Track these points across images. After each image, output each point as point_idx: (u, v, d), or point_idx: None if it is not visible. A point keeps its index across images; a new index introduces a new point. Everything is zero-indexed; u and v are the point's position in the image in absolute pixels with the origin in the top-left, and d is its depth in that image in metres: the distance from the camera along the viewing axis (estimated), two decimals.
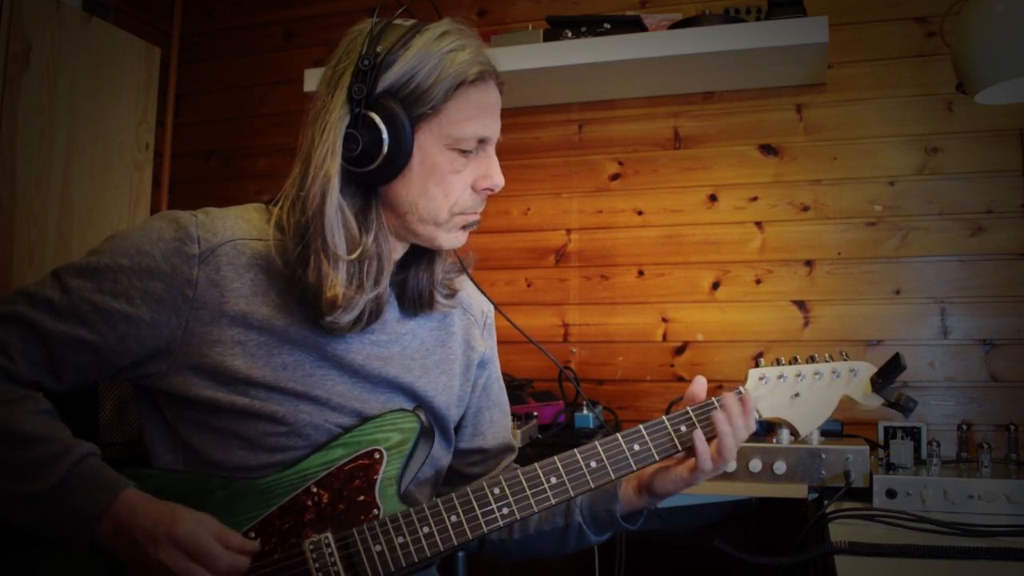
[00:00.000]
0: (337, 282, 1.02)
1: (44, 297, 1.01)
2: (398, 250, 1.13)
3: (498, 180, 1.09)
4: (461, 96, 1.04)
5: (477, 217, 1.11)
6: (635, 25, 2.08)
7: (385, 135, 1.01)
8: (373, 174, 1.03)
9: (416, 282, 1.15)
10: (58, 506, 0.94)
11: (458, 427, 1.27)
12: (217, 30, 2.76)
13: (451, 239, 1.10)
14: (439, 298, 1.18)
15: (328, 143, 1.02)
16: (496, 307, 1.31)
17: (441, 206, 1.07)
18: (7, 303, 1.02)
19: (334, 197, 1.02)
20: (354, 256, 1.03)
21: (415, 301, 1.16)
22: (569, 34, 2.08)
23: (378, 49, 1.02)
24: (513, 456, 1.34)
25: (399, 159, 1.03)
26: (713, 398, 1.15)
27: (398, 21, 1.07)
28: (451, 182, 1.06)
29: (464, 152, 1.06)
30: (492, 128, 1.08)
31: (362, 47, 1.02)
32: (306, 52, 2.61)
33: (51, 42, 2.04)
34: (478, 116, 1.05)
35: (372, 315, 1.08)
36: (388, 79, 1.02)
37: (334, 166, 1.01)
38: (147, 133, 2.36)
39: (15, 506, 0.95)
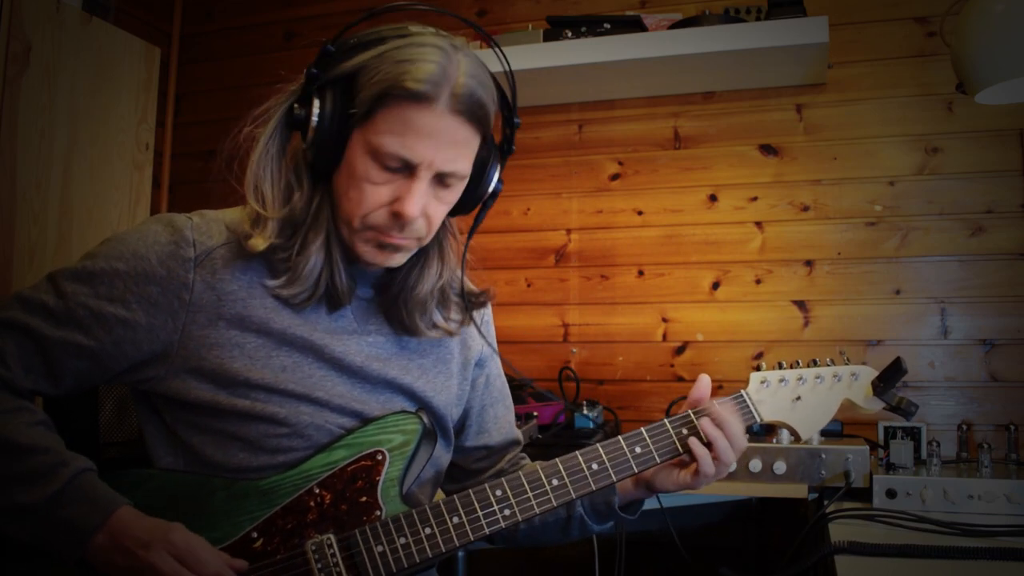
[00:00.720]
0: (267, 232, 1.03)
1: (40, 302, 1.01)
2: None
3: (408, 208, 1.00)
4: (393, 108, 0.98)
5: (394, 241, 1.04)
6: (635, 25, 2.08)
7: (314, 116, 1.01)
8: (310, 154, 1.03)
9: (393, 302, 1.14)
10: (51, 519, 0.93)
11: (462, 426, 1.28)
12: (217, 30, 2.76)
13: (366, 252, 1.05)
14: (433, 320, 1.15)
15: (273, 108, 1.06)
16: (494, 347, 1.30)
17: (353, 211, 1.03)
18: (2, 309, 1.01)
19: (261, 143, 1.04)
20: (284, 212, 1.04)
21: (399, 322, 1.15)
22: (569, 34, 2.08)
23: (353, 40, 1.02)
24: (519, 448, 1.34)
25: (327, 147, 1.02)
26: (713, 401, 1.16)
27: (416, 27, 1.04)
28: (365, 191, 1.01)
29: (385, 167, 1.00)
30: (418, 153, 0.99)
31: (341, 36, 1.02)
32: (306, 52, 2.61)
33: (51, 42, 2.04)
34: (404, 135, 0.98)
35: (331, 297, 1.08)
36: (342, 69, 1.01)
37: (268, 126, 1.05)
38: (147, 133, 2.36)
39: (10, 517, 0.94)
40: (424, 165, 1.00)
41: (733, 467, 1.64)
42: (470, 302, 1.20)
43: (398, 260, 1.08)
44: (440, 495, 1.22)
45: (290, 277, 1.05)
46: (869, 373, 1.22)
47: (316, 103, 1.01)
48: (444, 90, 0.98)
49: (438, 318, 1.16)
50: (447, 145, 1.01)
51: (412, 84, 0.96)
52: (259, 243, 1.03)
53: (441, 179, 1.04)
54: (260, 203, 1.04)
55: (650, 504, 1.28)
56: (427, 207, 1.04)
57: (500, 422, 1.31)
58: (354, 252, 1.06)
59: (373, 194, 1.01)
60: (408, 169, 1.01)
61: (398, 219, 1.02)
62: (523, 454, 1.35)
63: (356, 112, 1.00)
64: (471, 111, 1.01)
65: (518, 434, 1.34)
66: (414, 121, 0.98)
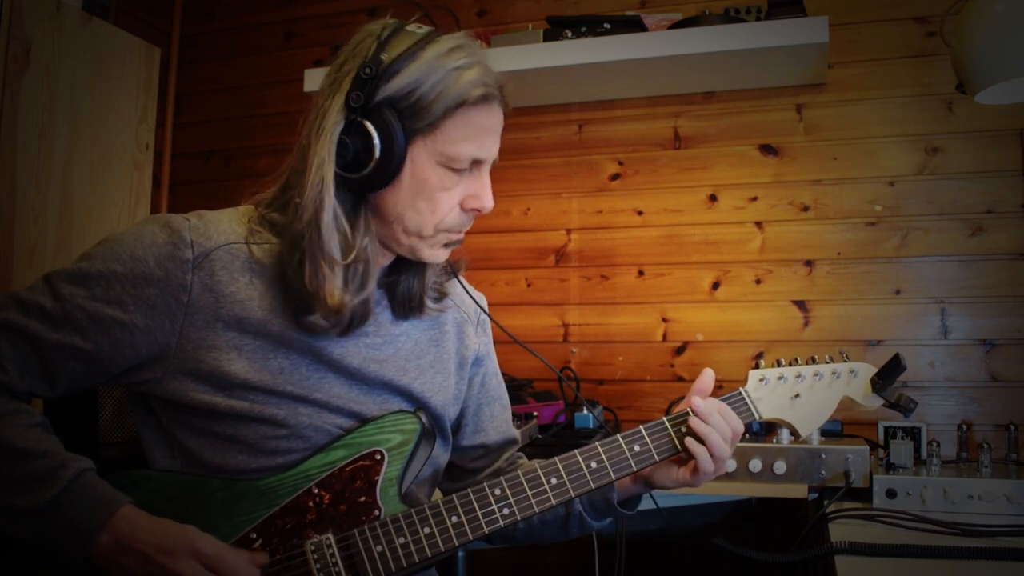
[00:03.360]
0: (335, 287, 1.02)
1: (36, 304, 1.00)
2: (385, 255, 1.13)
3: (487, 203, 1.07)
4: (461, 116, 1.02)
5: (461, 236, 1.10)
6: (635, 25, 2.08)
7: (377, 144, 1.00)
8: (363, 181, 1.02)
9: (407, 287, 1.15)
10: (55, 521, 0.93)
11: (459, 425, 1.28)
12: (217, 30, 2.76)
13: (432, 254, 1.09)
14: (429, 303, 1.17)
15: (323, 149, 1.01)
16: (486, 312, 1.30)
17: (427, 221, 1.05)
18: None
19: (330, 203, 1.01)
20: (348, 260, 1.03)
21: (405, 305, 1.15)
22: (569, 34, 2.08)
23: (383, 56, 1.01)
24: (516, 447, 1.34)
25: (389, 169, 1.01)
26: (711, 399, 1.16)
27: (411, 27, 1.05)
28: (439, 199, 1.04)
29: (456, 170, 1.04)
30: (488, 150, 1.06)
31: (367, 53, 1.01)
32: (306, 52, 2.61)
33: (51, 42, 2.04)
34: (475, 137, 1.03)
35: (358, 319, 1.07)
36: (390, 89, 1.00)
37: (329, 173, 1.01)
38: (147, 133, 2.36)
39: (12, 520, 0.94)
40: (490, 158, 1.07)
41: (732, 465, 1.64)
42: (449, 271, 1.22)
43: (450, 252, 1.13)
44: (438, 495, 1.22)
45: (331, 311, 1.03)
46: (868, 370, 1.21)
47: (374, 130, 1.00)
48: (494, 87, 1.05)
49: (429, 300, 1.18)
50: (498, 135, 1.09)
51: (480, 90, 1.02)
52: (336, 299, 1.02)
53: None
54: (328, 256, 1.02)
55: (650, 504, 1.28)
56: None
57: (497, 421, 1.31)
58: (417, 256, 1.10)
59: (446, 199, 1.05)
60: (475, 166, 1.06)
61: (471, 213, 1.08)
62: (520, 453, 1.35)
63: (419, 128, 1.01)
64: (503, 99, 1.08)
65: (515, 433, 1.34)
66: (482, 122, 1.04)
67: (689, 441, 1.11)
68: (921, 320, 2.06)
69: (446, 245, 1.10)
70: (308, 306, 1.03)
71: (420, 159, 1.03)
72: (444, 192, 1.04)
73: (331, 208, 1.01)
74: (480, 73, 1.02)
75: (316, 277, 1.01)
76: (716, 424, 1.11)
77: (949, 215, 2.06)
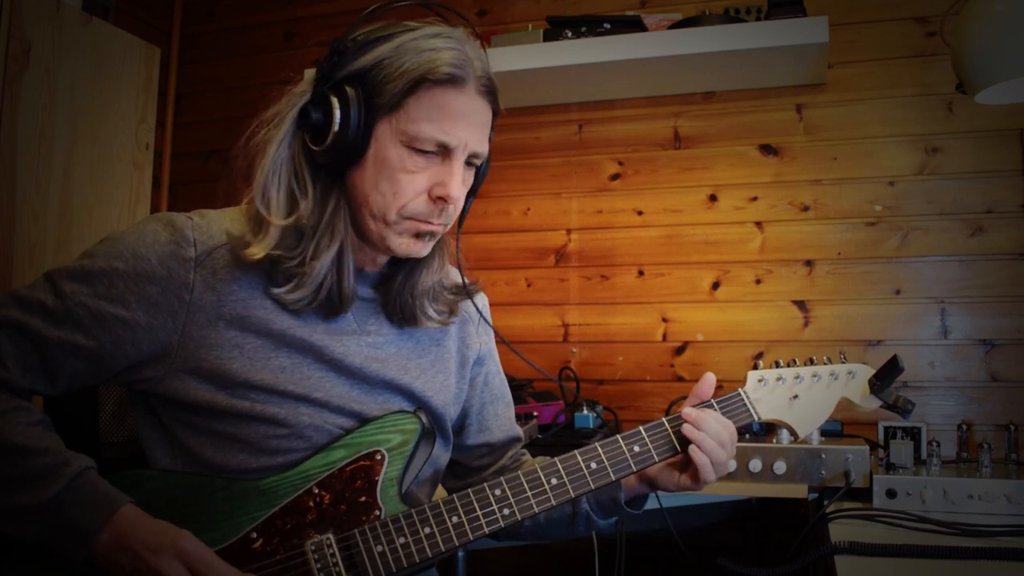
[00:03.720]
0: (268, 240, 1.01)
1: (37, 301, 1.00)
2: (367, 252, 1.12)
3: (452, 191, 1.03)
4: (426, 94, 1.00)
5: (432, 228, 1.06)
6: (635, 25, 2.08)
7: (336, 117, 1.00)
8: (327, 155, 1.02)
9: (397, 295, 1.14)
10: (56, 519, 0.93)
11: (463, 425, 1.28)
12: (217, 30, 2.76)
13: (402, 244, 1.06)
14: (430, 313, 1.15)
15: (284, 111, 1.04)
16: (486, 318, 1.30)
17: (390, 204, 1.03)
18: None
19: (271, 149, 1.03)
20: (287, 221, 1.02)
21: (398, 314, 1.14)
22: (569, 34, 2.08)
23: (360, 36, 1.02)
24: (520, 445, 1.34)
25: (350, 145, 1.01)
26: (712, 400, 1.16)
27: (413, 23, 1.05)
28: (401, 181, 1.02)
29: (421, 152, 1.02)
30: (455, 135, 1.02)
31: (347, 32, 1.02)
32: (306, 52, 2.61)
33: (51, 42, 2.04)
34: (440, 119, 1.00)
35: (332, 303, 1.06)
36: (358, 64, 1.01)
37: (281, 130, 1.03)
38: (147, 133, 2.35)
39: (13, 518, 0.94)
40: (460, 147, 1.03)
41: (732, 465, 1.64)
42: (466, 292, 1.20)
43: (428, 248, 1.09)
44: (441, 493, 1.22)
45: (296, 283, 1.04)
46: (866, 371, 1.22)
47: (335, 101, 1.00)
48: (470, 72, 1.02)
49: (431, 311, 1.16)
50: (477, 126, 1.04)
51: (446, 68, 0.99)
52: (257, 251, 1.01)
53: (469, 161, 1.06)
54: (266, 209, 1.03)
55: (650, 504, 1.28)
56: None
57: (501, 419, 1.31)
58: (386, 245, 1.06)
59: (410, 183, 1.02)
60: (444, 153, 1.03)
61: (439, 203, 1.04)
62: (524, 450, 1.35)
63: (383, 104, 1.00)
64: (490, 92, 1.06)
65: (519, 431, 1.34)
66: (449, 104, 1.01)
67: (692, 449, 1.11)
68: (921, 320, 2.06)
69: (417, 235, 1.06)
70: (271, 277, 1.04)
71: (384, 137, 1.02)
72: (407, 174, 1.02)
73: (272, 154, 1.02)
74: (454, 56, 1.00)
75: (255, 224, 1.03)
76: (710, 430, 1.11)
77: (949, 215, 2.06)
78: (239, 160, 1.07)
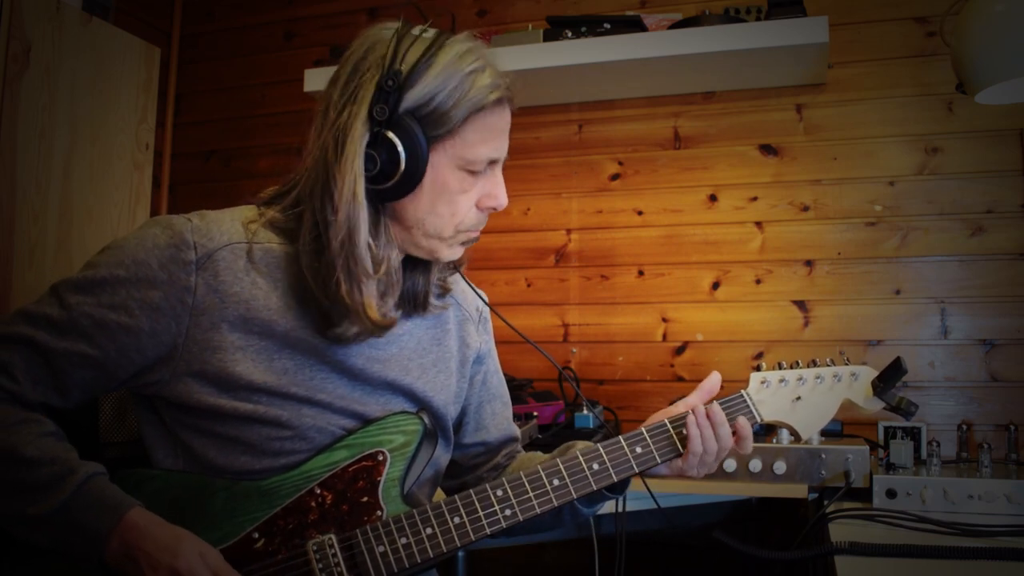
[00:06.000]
0: (373, 300, 1.04)
1: (43, 315, 1.01)
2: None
3: (502, 200, 1.10)
4: (478, 120, 1.04)
5: (478, 234, 1.12)
6: (635, 25, 2.08)
7: (403, 156, 1.01)
8: (387, 192, 1.04)
9: (412, 284, 1.15)
10: (67, 526, 0.94)
11: (460, 423, 1.28)
12: (217, 30, 2.76)
13: (451, 253, 1.11)
14: (433, 300, 1.18)
15: (352, 164, 1.00)
16: (491, 308, 1.31)
17: (447, 224, 1.07)
18: (7, 324, 1.01)
19: (365, 220, 1.02)
20: (380, 273, 1.05)
21: (410, 303, 1.16)
22: (569, 34, 2.09)
23: (401, 67, 1.01)
24: (517, 446, 1.35)
25: (414, 178, 1.03)
26: (715, 401, 1.16)
27: (416, 31, 1.05)
28: (459, 201, 1.06)
29: (473, 173, 1.06)
30: (502, 149, 1.09)
31: (384, 62, 1.01)
32: (306, 52, 2.61)
33: (51, 42, 2.04)
34: (491, 139, 1.06)
35: (389, 325, 1.09)
36: (410, 98, 1.01)
37: (361, 188, 1.01)
38: (147, 133, 2.35)
39: (27, 528, 0.95)
40: (503, 157, 1.10)
41: (732, 466, 1.64)
42: (451, 266, 1.21)
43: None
44: (440, 494, 1.22)
45: (371, 322, 1.05)
46: (869, 373, 1.22)
47: (397, 140, 1.01)
48: (505, 89, 1.06)
49: (433, 298, 1.19)
50: (508, 132, 1.10)
51: (495, 93, 1.04)
52: (383, 308, 1.07)
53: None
54: (365, 283, 1.03)
55: (650, 504, 1.28)
56: None
57: (498, 418, 1.31)
58: (435, 257, 1.11)
59: (464, 200, 1.07)
60: (490, 166, 1.08)
61: (488, 211, 1.10)
62: (520, 448, 1.36)
63: (440, 133, 1.03)
64: (511, 98, 1.09)
65: (515, 430, 1.35)
66: (497, 124, 1.07)
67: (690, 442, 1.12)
68: (921, 320, 2.07)
69: (463, 243, 1.12)
70: (339, 318, 1.04)
71: (440, 164, 1.04)
72: (463, 195, 1.07)
73: (366, 225, 1.02)
74: (493, 76, 1.05)
75: (354, 293, 1.02)
76: (707, 435, 1.14)
77: (949, 215, 2.07)
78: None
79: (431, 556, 1.02)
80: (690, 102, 2.28)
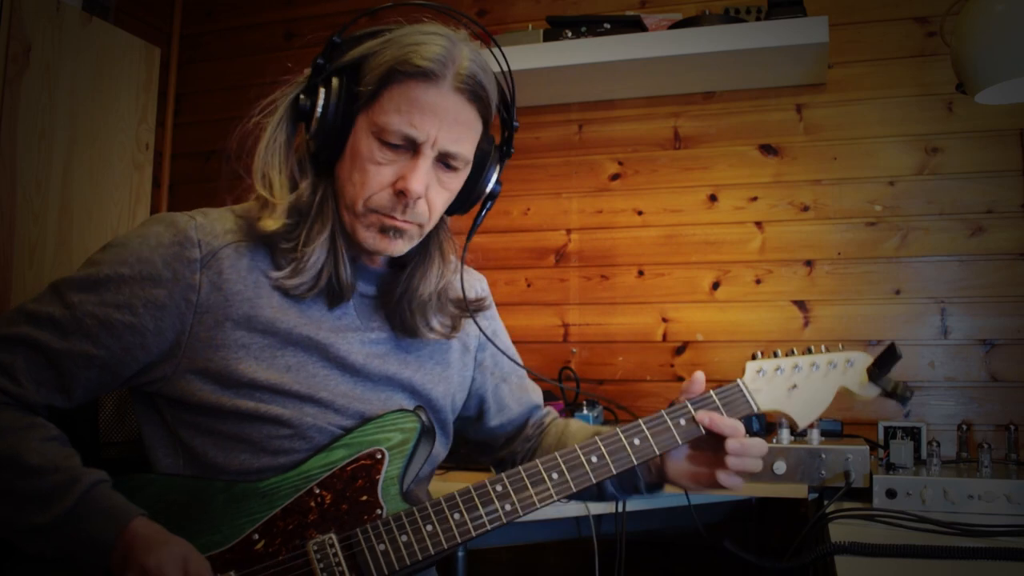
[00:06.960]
0: (277, 213, 1.03)
1: (46, 314, 1.00)
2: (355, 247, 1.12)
3: (412, 185, 1.01)
4: (398, 87, 1.00)
5: (396, 223, 1.04)
6: (635, 25, 2.08)
7: (320, 105, 1.02)
8: (315, 143, 1.04)
9: (397, 304, 1.13)
10: (71, 536, 0.93)
11: (481, 410, 1.29)
12: (217, 30, 2.76)
13: (368, 238, 1.05)
14: (433, 324, 1.15)
15: (279, 99, 1.08)
16: (484, 304, 1.29)
17: (357, 194, 1.03)
18: (9, 324, 1.00)
19: (267, 134, 1.06)
20: (291, 197, 1.05)
21: (399, 325, 1.14)
22: (569, 34, 2.09)
23: (358, 33, 1.04)
24: (540, 410, 1.34)
25: (333, 134, 1.03)
26: (711, 391, 1.16)
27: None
28: (369, 172, 1.02)
29: (390, 145, 1.02)
30: (423, 130, 1.01)
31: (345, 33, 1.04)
32: (306, 52, 2.60)
33: (51, 42, 2.04)
34: (408, 112, 1.00)
35: (333, 291, 1.07)
36: (348, 56, 1.04)
37: (275, 116, 1.06)
38: (147, 133, 2.36)
39: (31, 537, 0.94)
40: (428, 142, 1.02)
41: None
42: (471, 309, 1.20)
43: (400, 248, 1.08)
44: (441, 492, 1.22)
45: (294, 268, 1.04)
46: (864, 359, 1.20)
47: (321, 92, 1.03)
48: (449, 69, 1.01)
49: (435, 323, 1.16)
50: (450, 124, 1.02)
51: (419, 61, 0.99)
52: (270, 224, 1.03)
53: (444, 161, 1.05)
54: (268, 190, 1.05)
55: (650, 504, 1.28)
56: (430, 190, 1.05)
57: (516, 392, 1.32)
58: (356, 239, 1.06)
59: (377, 175, 1.03)
60: (412, 147, 1.03)
61: (402, 198, 1.03)
62: (548, 411, 1.35)
63: (361, 94, 1.02)
64: (474, 92, 1.03)
65: (536, 397, 1.35)
66: (419, 98, 1.00)
67: (714, 418, 1.13)
68: (921, 320, 2.07)
69: (382, 230, 1.05)
70: (275, 261, 1.05)
71: (360, 129, 1.04)
72: (374, 166, 1.02)
73: (271, 141, 1.05)
74: (436, 52, 1.00)
75: (262, 204, 1.05)
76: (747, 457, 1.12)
77: (949, 215, 2.07)
78: (233, 144, 1.10)
79: (432, 553, 1.02)
80: (690, 102, 2.28)
